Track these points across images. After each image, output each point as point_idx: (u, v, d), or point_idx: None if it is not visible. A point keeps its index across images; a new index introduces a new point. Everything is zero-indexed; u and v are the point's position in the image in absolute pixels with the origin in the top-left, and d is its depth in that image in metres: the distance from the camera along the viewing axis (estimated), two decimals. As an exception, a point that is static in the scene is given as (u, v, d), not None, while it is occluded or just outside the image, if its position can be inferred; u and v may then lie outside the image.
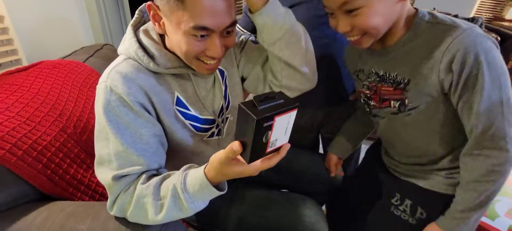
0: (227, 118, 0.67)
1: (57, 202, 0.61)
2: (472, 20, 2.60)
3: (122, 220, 0.54)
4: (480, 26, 2.45)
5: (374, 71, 0.63)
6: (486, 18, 3.93)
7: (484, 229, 0.70)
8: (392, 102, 0.61)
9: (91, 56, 1.00)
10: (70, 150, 0.71)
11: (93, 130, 0.52)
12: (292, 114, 0.39)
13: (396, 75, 0.59)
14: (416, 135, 0.63)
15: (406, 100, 0.59)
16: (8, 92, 0.69)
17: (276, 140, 0.40)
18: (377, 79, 0.63)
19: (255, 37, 0.77)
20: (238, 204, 0.73)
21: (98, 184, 0.75)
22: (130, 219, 0.52)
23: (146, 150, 0.52)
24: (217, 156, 0.44)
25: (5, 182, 0.57)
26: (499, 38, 2.30)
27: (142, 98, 0.51)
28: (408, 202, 0.68)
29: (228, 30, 0.51)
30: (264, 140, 0.38)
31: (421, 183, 0.66)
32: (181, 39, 0.49)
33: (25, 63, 1.04)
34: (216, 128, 0.65)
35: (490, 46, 0.49)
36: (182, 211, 0.49)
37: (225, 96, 0.66)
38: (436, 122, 0.59)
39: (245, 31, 0.95)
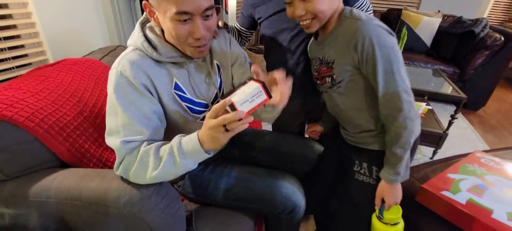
0: None
1: (73, 168, 0.74)
2: (477, 21, 2.63)
3: (125, 179, 0.66)
4: (485, 26, 2.47)
5: (317, 57, 0.80)
6: (499, 20, 3.86)
7: (445, 202, 0.77)
8: (326, 78, 0.78)
9: (106, 55, 1.16)
10: (85, 129, 0.85)
11: (105, 114, 0.65)
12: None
13: (327, 57, 0.75)
14: (349, 104, 0.78)
15: (334, 76, 0.75)
16: (37, 81, 0.84)
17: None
18: (319, 62, 0.79)
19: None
20: (226, 177, 0.83)
21: (107, 158, 0.88)
22: (131, 178, 0.64)
23: (147, 124, 0.64)
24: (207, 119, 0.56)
25: (34, 149, 0.70)
26: (502, 38, 2.30)
27: (146, 81, 0.64)
28: (364, 165, 0.81)
29: (208, 14, 0.62)
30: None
31: (371, 146, 0.80)
32: (170, 26, 0.61)
33: (51, 61, 1.21)
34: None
35: (381, 32, 0.66)
36: (175, 167, 0.60)
37: (220, 88, 0.78)
38: (359, 92, 0.74)
39: (242, 29, 1.07)
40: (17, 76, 1.09)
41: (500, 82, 3.51)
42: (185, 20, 0.60)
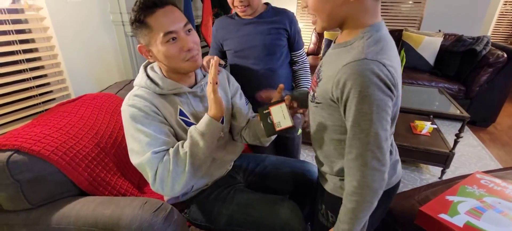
0: None
1: (90, 196, 0.81)
2: (478, 39, 2.66)
3: (136, 207, 0.72)
4: (486, 44, 2.50)
5: (320, 63, 0.69)
6: (503, 36, 3.87)
7: (443, 225, 0.78)
8: (312, 89, 0.68)
9: (121, 89, 1.26)
10: (102, 159, 0.93)
11: (120, 145, 0.73)
12: (282, 106, 0.72)
13: (321, 70, 0.64)
14: (321, 128, 0.67)
15: (315, 93, 0.64)
16: (61, 117, 0.94)
17: (279, 122, 0.71)
18: (317, 69, 0.69)
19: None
20: (228, 204, 0.88)
21: (121, 186, 0.95)
22: (170, 183, 0.69)
23: (168, 134, 0.73)
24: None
25: (57, 179, 0.79)
26: (505, 55, 2.31)
27: (154, 109, 0.74)
28: (323, 206, 0.74)
29: (188, 28, 0.74)
30: (269, 121, 0.71)
31: (327, 188, 0.72)
32: (163, 50, 0.71)
33: (73, 96, 1.33)
34: None
35: (372, 83, 0.50)
36: (199, 145, 0.70)
37: None
38: (332, 125, 0.63)
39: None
40: (43, 111, 1.21)
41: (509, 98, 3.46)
42: (173, 39, 0.71)
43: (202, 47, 1.97)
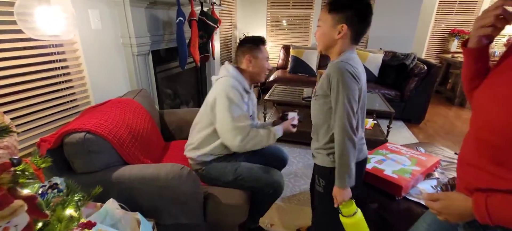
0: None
1: (133, 164, 1.19)
2: (407, 55, 3.42)
3: (168, 166, 1.12)
4: (413, 59, 3.25)
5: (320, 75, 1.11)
6: (436, 51, 4.78)
7: (378, 177, 1.27)
8: (315, 86, 1.04)
9: (136, 96, 1.65)
10: (133, 143, 1.31)
11: (143, 134, 1.14)
12: (295, 113, 1.41)
13: (325, 72, 0.97)
14: (316, 114, 1.01)
15: (315, 90, 1.01)
16: (102, 113, 1.31)
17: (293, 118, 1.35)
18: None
19: None
20: (236, 166, 1.32)
21: (144, 161, 1.33)
22: (248, 146, 1.21)
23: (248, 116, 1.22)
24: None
25: (111, 153, 1.16)
26: (425, 68, 3.03)
27: (243, 97, 1.23)
28: (316, 176, 1.07)
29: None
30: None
31: (317, 162, 1.05)
32: (262, 64, 1.30)
33: (93, 103, 1.67)
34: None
35: (345, 73, 0.86)
36: (267, 139, 1.25)
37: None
38: (325, 110, 0.96)
39: None
40: (73, 114, 1.55)
41: (438, 100, 4.28)
42: (267, 59, 1.33)
43: (189, 63, 2.39)
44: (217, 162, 1.34)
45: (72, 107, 1.59)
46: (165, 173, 1.10)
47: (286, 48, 4.13)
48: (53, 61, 1.44)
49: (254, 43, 1.28)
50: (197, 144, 1.34)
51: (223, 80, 1.24)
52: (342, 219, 0.96)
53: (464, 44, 0.67)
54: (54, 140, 1.07)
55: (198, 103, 3.14)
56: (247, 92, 1.31)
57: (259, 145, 1.23)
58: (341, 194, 0.93)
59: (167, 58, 2.40)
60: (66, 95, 1.54)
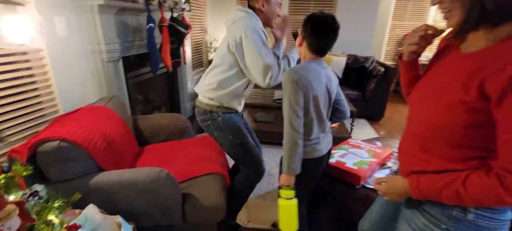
0: None
1: (108, 171, 1.21)
2: (367, 58, 3.74)
3: (146, 170, 1.16)
4: (372, 62, 3.55)
5: None
6: (393, 54, 5.23)
7: (341, 169, 1.42)
8: None
9: (108, 102, 1.64)
10: (109, 149, 1.33)
11: (119, 141, 1.17)
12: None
13: None
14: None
15: None
16: (72, 123, 1.30)
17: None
18: None
19: None
20: (246, 134, 1.44)
21: (122, 166, 1.35)
22: (276, 80, 1.26)
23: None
24: None
25: (87, 160, 1.17)
26: (383, 70, 3.34)
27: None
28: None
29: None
30: None
31: None
32: (274, 9, 1.33)
33: (62, 112, 1.64)
34: None
35: (289, 80, 1.01)
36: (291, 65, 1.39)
37: None
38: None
39: None
40: (39, 124, 1.51)
41: (396, 99, 4.70)
42: (279, 5, 1.36)
43: (160, 68, 2.40)
44: (235, 115, 1.41)
45: (40, 116, 1.55)
46: (144, 176, 1.14)
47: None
48: (18, 70, 1.40)
49: None
50: (216, 85, 1.32)
51: (247, 20, 1.24)
52: (279, 200, 1.10)
53: (399, 57, 0.83)
54: (26, 150, 1.06)
55: (171, 108, 3.14)
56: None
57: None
58: (283, 178, 1.09)
59: (138, 64, 2.39)
60: (33, 104, 1.49)
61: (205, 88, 1.38)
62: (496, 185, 0.54)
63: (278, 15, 1.37)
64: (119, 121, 1.59)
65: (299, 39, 1.10)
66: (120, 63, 2.07)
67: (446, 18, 0.62)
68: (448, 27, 0.64)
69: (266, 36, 1.28)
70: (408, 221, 0.76)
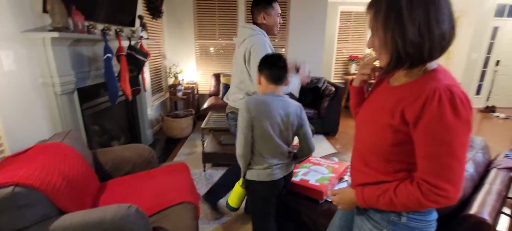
0: None
1: (71, 213, 1.15)
2: (319, 79, 4.06)
3: (114, 208, 1.13)
4: (324, 82, 3.87)
5: None
6: (341, 73, 5.76)
7: (305, 186, 1.52)
8: None
9: (64, 138, 1.55)
10: (69, 190, 1.25)
11: (79, 179, 1.13)
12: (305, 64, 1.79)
13: None
14: None
15: None
16: (26, 164, 1.21)
17: None
18: None
19: None
20: None
21: (84, 206, 1.28)
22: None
23: None
24: None
25: (45, 204, 1.09)
26: (333, 89, 3.68)
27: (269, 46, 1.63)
28: None
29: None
30: None
31: None
32: (275, 20, 1.64)
33: (8, 152, 1.49)
34: None
35: (241, 110, 1.22)
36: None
37: None
38: None
39: None
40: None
41: (347, 114, 5.16)
42: (278, 15, 1.63)
43: (120, 95, 2.33)
44: None
45: (-19, 159, 1.39)
46: (112, 214, 1.11)
47: (217, 76, 4.35)
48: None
49: (266, 2, 1.58)
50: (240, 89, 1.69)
51: (255, 37, 1.56)
52: (236, 185, 1.44)
53: (350, 82, 0.98)
54: (-27, 200, 0.96)
55: (131, 137, 3.01)
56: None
57: None
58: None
59: (95, 94, 2.29)
60: (-27, 146, 1.34)
61: (231, 97, 1.74)
62: (416, 192, 0.68)
63: (279, 23, 1.68)
64: (78, 157, 1.50)
65: (257, 77, 1.30)
66: (75, 95, 1.97)
67: (377, 59, 0.78)
68: (379, 65, 0.80)
69: (272, 50, 1.59)
70: (359, 228, 0.89)
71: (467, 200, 1.05)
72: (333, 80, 5.55)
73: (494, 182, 1.15)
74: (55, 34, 1.60)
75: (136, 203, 1.23)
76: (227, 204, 1.48)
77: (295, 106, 1.29)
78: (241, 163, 1.29)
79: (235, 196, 1.43)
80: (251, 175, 1.30)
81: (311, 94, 3.95)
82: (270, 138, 1.23)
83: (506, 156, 1.46)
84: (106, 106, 2.44)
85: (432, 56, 0.68)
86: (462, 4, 5.14)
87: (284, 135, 1.27)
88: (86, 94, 2.13)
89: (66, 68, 1.82)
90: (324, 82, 3.85)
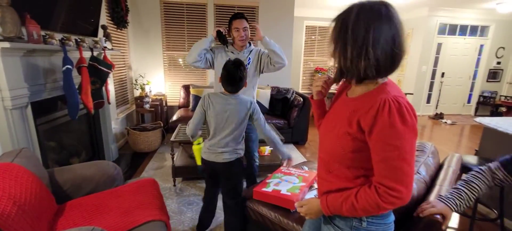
0: None
1: (24, 241, 1.04)
2: (288, 90, 4.20)
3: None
4: (293, 93, 4.01)
5: None
6: (308, 84, 5.99)
7: (263, 193, 1.54)
8: None
9: (15, 158, 1.40)
10: (20, 216, 1.13)
11: (33, 203, 1.04)
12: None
13: None
14: None
15: None
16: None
17: None
18: None
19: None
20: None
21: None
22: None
23: None
24: None
25: (-9, 233, 0.98)
26: (302, 100, 3.82)
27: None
28: None
29: (244, 27, 2.02)
30: None
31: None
32: (234, 33, 2.01)
33: None
34: None
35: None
36: None
37: None
38: None
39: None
40: None
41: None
42: (237, 30, 1.97)
43: (81, 109, 2.19)
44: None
45: None
46: (74, 239, 1.02)
47: (186, 88, 4.28)
48: None
49: (229, 23, 2.01)
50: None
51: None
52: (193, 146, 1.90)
53: (311, 97, 1.04)
54: None
55: (92, 153, 2.81)
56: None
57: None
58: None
59: (52, 108, 2.12)
60: None
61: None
62: (374, 195, 0.74)
63: (243, 37, 2.02)
64: (31, 178, 1.37)
65: (218, 78, 1.65)
66: (29, 109, 1.81)
67: (327, 77, 0.89)
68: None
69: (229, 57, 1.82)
70: None
71: (421, 201, 1.16)
72: (301, 91, 5.76)
73: (443, 183, 1.28)
74: (6, 44, 1.47)
75: (100, 224, 1.14)
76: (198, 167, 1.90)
77: (240, 106, 1.63)
78: (188, 131, 1.71)
79: (196, 153, 1.90)
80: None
81: (281, 104, 4.05)
82: (216, 125, 1.61)
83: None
84: (65, 121, 2.26)
85: (367, 75, 0.74)
86: (412, 22, 5.72)
87: (228, 129, 1.60)
88: (41, 108, 1.97)
89: (18, 81, 1.67)
90: (292, 93, 3.98)
